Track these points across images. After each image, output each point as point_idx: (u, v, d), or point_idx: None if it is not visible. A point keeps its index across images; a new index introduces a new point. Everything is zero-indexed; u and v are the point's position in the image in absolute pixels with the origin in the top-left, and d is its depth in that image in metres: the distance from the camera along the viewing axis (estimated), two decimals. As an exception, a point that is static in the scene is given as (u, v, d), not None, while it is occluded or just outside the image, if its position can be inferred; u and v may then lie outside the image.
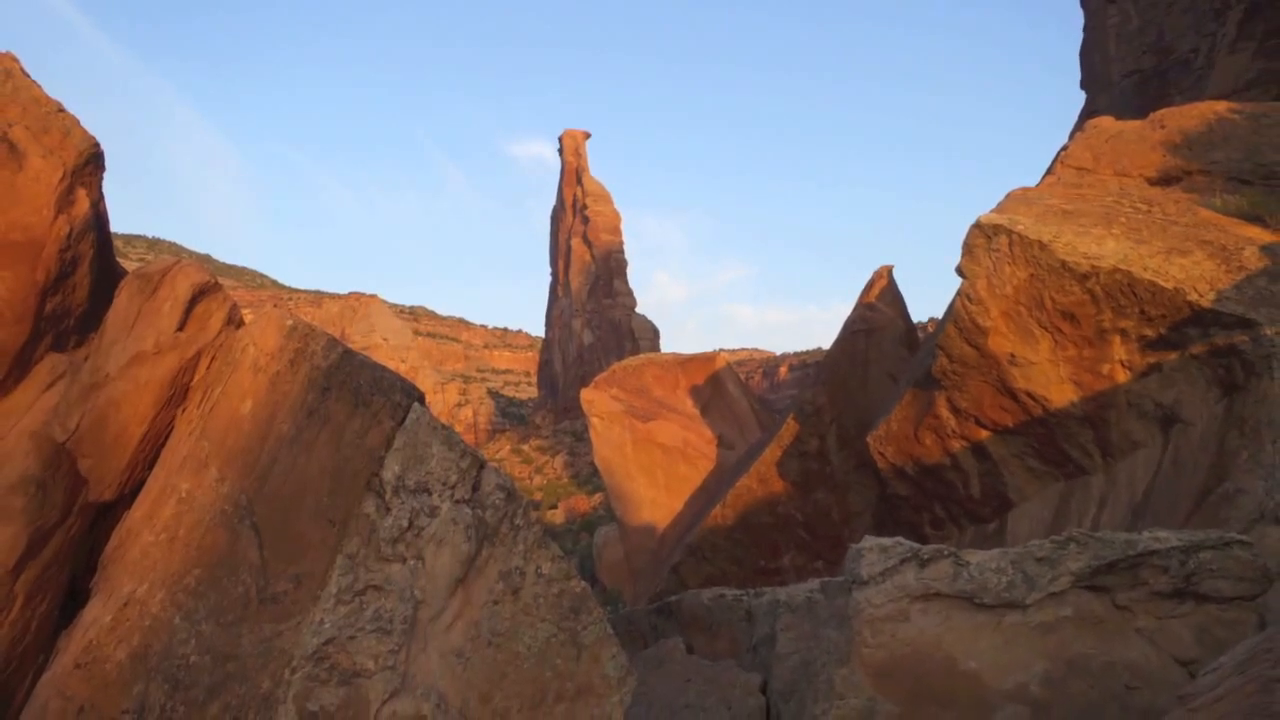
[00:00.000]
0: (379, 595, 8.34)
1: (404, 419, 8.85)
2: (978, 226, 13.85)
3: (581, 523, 76.27)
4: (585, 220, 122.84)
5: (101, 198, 10.72)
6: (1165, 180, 15.45)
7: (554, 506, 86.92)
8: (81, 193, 10.04)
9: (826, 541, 23.61)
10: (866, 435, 19.07)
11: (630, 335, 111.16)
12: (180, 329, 9.66)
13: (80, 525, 9.71)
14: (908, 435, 17.42)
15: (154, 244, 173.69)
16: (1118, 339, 12.72)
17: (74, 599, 9.66)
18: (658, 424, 33.44)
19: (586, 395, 35.44)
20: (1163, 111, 16.80)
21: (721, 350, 42.53)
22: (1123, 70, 28.49)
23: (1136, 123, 16.86)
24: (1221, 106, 16.00)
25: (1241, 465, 10.68)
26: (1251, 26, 22.47)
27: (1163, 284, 11.94)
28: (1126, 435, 13.12)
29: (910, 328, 25.04)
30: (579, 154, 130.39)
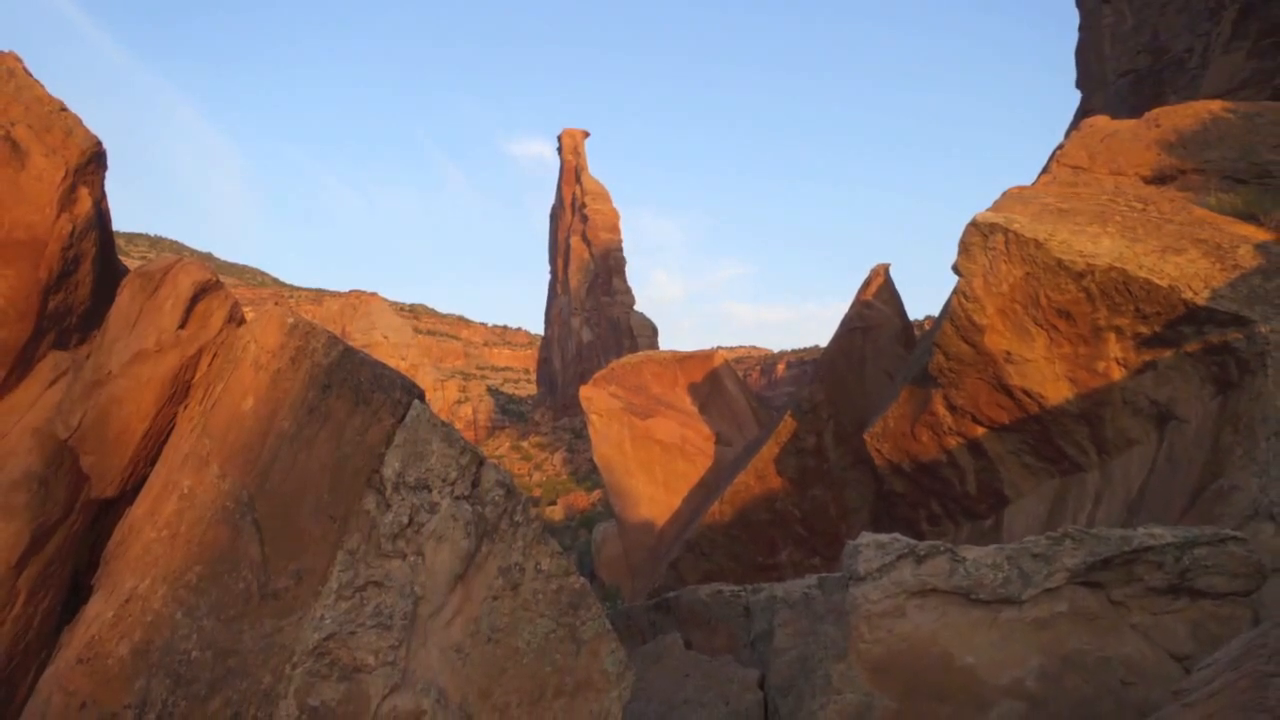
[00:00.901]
0: (379, 591, 8.40)
1: (404, 416, 8.90)
2: (974, 225, 13.90)
3: (580, 519, 76.29)
4: (584, 219, 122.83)
5: (104, 196, 10.76)
6: (1160, 179, 15.51)
7: (553, 503, 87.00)
8: (84, 191, 10.09)
9: (824, 538, 23.68)
10: (863, 432, 19.12)
11: (629, 333, 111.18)
12: (182, 327, 9.70)
13: (82, 522, 9.77)
14: (904, 432, 17.48)
15: (156, 242, 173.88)
16: (1113, 336, 12.78)
17: (76, 595, 9.72)
18: (656, 421, 33.50)
19: (585, 392, 35.48)
20: (1157, 110, 16.84)
21: (719, 348, 42.52)
22: (1118, 70, 28.52)
23: (1131, 122, 16.91)
24: (1216, 105, 16.05)
25: (1236, 462, 10.75)
26: (1245, 26, 22.53)
27: (1158, 282, 12.01)
28: (1122, 432, 13.18)
29: (907, 325, 25.09)
30: (578, 153, 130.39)
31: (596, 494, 79.12)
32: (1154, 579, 8.16)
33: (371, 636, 8.23)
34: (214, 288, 10.07)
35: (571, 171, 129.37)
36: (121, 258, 11.68)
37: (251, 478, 8.76)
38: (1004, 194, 15.37)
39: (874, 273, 25.86)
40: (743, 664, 12.09)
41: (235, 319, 10.25)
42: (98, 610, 8.61)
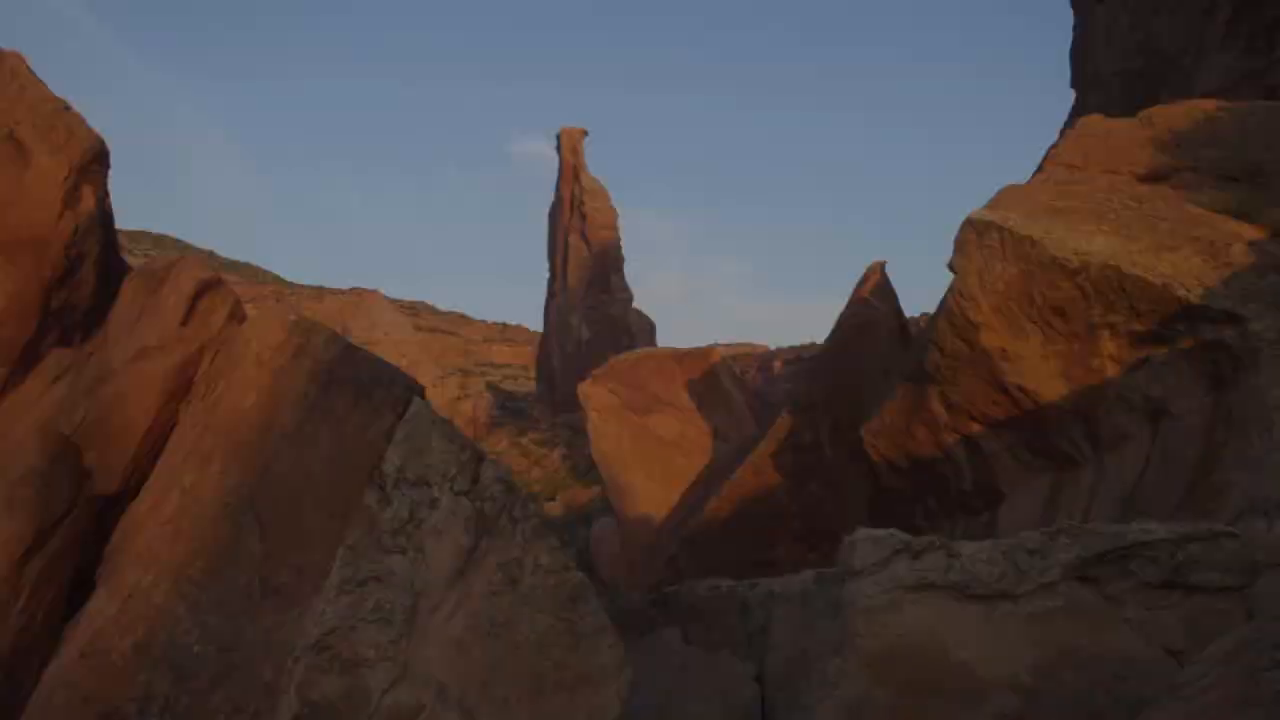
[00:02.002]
0: (380, 586, 8.46)
1: (404, 412, 8.97)
2: (969, 223, 13.94)
3: (579, 515, 76.12)
4: (582, 217, 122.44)
5: (107, 195, 10.80)
6: (1154, 177, 15.53)
7: (552, 498, 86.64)
8: (87, 190, 10.14)
9: (821, 533, 23.68)
10: (860, 428, 19.16)
11: (627, 330, 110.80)
12: (184, 324, 9.77)
13: (86, 517, 9.82)
14: (900, 428, 17.53)
15: (158, 240, 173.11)
16: (1107, 334, 12.83)
17: (80, 590, 9.77)
18: (654, 417, 33.55)
19: (584, 389, 35.53)
20: (1152, 110, 16.86)
21: (717, 345, 42.55)
22: (1112, 69, 28.53)
23: (1126, 121, 16.93)
24: (1209, 105, 16.10)
25: (1229, 458, 10.81)
26: (1238, 26, 22.59)
27: (1151, 280, 12.06)
28: (1116, 428, 13.23)
29: (903, 323, 25.08)
30: (576, 151, 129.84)
31: (595, 490, 78.78)
32: (1148, 574, 8.20)
33: (372, 631, 8.29)
34: (215, 286, 10.14)
35: (570, 170, 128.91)
36: (124, 255, 11.74)
37: (253, 474, 8.83)
38: (999, 192, 15.40)
39: (870, 270, 25.86)
40: (740, 658, 12.14)
41: (237, 317, 10.31)
42: (101, 606, 8.68)
